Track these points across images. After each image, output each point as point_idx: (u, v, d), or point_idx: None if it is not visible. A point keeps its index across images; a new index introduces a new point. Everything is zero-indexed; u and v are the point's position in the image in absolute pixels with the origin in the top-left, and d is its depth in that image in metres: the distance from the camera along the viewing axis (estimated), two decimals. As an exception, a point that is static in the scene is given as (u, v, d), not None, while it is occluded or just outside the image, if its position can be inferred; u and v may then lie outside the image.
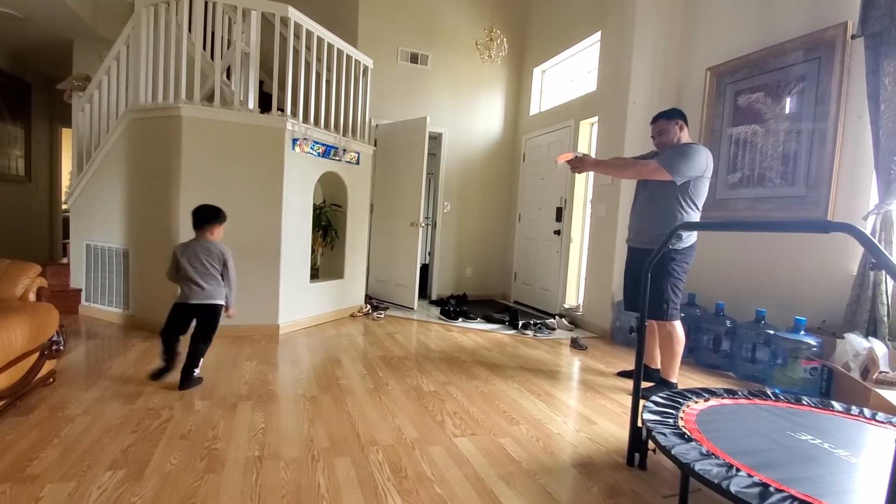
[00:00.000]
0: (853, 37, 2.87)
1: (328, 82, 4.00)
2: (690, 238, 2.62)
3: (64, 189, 6.63)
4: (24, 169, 6.01)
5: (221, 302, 2.56)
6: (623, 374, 2.98)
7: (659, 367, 2.75)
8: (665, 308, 2.56)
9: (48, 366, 2.24)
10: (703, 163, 2.52)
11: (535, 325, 4.20)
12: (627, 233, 2.88)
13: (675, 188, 2.53)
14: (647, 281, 1.85)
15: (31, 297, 2.35)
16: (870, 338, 2.61)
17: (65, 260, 4.20)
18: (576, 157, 2.73)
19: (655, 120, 2.73)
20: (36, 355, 2.13)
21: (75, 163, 3.95)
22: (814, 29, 3.06)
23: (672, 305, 2.57)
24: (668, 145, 2.66)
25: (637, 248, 2.76)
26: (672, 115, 2.67)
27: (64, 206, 6.29)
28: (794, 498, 1.18)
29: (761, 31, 3.41)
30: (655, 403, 1.80)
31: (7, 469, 1.58)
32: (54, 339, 2.24)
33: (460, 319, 4.47)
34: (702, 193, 2.58)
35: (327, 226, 4.40)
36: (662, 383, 2.65)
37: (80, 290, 3.81)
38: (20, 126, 5.88)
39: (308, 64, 3.81)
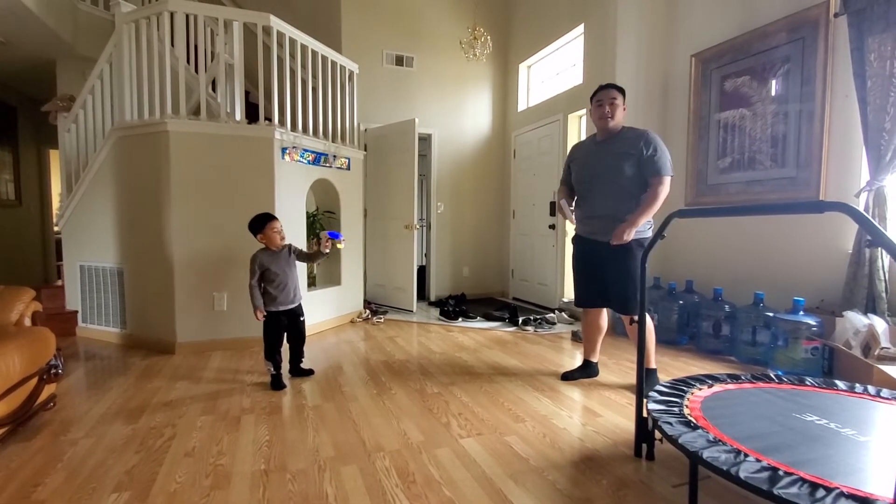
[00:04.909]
0: (836, 15, 2.87)
1: (314, 89, 3.99)
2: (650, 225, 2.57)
3: (55, 211, 6.59)
4: (14, 193, 5.97)
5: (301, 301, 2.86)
6: (567, 377, 2.78)
7: (597, 360, 2.79)
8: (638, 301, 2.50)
9: (48, 390, 2.22)
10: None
11: (535, 320, 4.19)
12: (579, 226, 2.66)
13: (636, 176, 2.42)
14: (645, 273, 1.84)
15: (27, 321, 2.33)
16: (869, 314, 2.62)
17: (59, 282, 4.17)
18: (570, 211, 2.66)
19: (607, 87, 2.50)
20: (35, 380, 2.11)
21: (64, 184, 3.92)
22: (796, 9, 3.07)
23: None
24: (609, 119, 2.45)
25: (595, 240, 2.55)
26: (622, 91, 2.51)
27: (56, 229, 6.25)
28: (803, 480, 1.18)
29: (744, 15, 3.41)
30: (660, 393, 1.79)
31: (12, 496, 1.56)
32: (52, 362, 2.21)
33: (460, 319, 4.46)
34: None
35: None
36: (648, 374, 2.62)
37: (77, 311, 3.78)
38: (8, 150, 5.83)
39: (293, 72, 3.80)
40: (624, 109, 2.52)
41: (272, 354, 2.67)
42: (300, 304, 2.81)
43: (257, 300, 2.64)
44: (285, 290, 2.70)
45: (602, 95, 2.50)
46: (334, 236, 2.75)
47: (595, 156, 2.57)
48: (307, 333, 3.73)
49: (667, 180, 2.39)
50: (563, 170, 2.79)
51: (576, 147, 2.76)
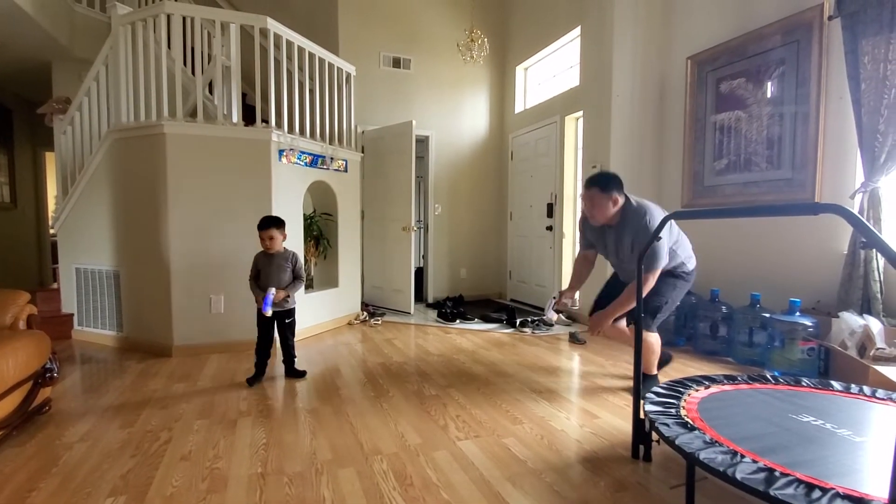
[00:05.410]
0: (830, 18, 2.89)
1: (311, 91, 3.99)
2: (692, 260, 2.56)
3: (50, 214, 6.56)
4: (10, 195, 5.95)
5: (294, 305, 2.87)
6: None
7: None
8: (651, 322, 2.45)
9: (43, 394, 2.21)
10: (665, 233, 2.28)
11: (532, 322, 4.20)
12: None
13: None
14: (641, 265, 1.84)
15: (22, 325, 2.31)
16: (864, 315, 2.63)
17: (55, 285, 4.15)
18: (557, 303, 2.64)
19: (588, 186, 2.39)
20: (30, 384, 2.10)
21: (60, 186, 3.91)
22: (791, 12, 3.09)
23: (659, 318, 2.47)
24: (600, 218, 2.40)
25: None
26: (607, 187, 2.33)
27: (51, 231, 6.23)
28: (799, 481, 1.18)
29: (739, 18, 3.43)
30: (656, 394, 1.80)
31: (7, 501, 1.55)
32: (47, 366, 2.21)
33: (458, 321, 4.46)
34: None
35: (319, 235, 4.38)
36: (646, 379, 2.58)
37: (72, 314, 3.77)
38: (3, 152, 5.81)
39: (290, 74, 3.80)
40: (615, 201, 2.35)
41: (257, 349, 2.77)
42: (290, 311, 2.83)
43: (256, 292, 2.73)
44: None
45: (584, 195, 2.43)
46: (266, 302, 2.61)
47: (603, 237, 2.54)
48: (307, 335, 3.77)
49: (655, 274, 2.30)
50: (580, 233, 2.75)
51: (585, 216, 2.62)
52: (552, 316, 2.71)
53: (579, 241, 2.80)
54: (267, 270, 2.74)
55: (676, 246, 2.46)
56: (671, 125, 4.00)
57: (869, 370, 2.37)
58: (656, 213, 2.34)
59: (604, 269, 4.02)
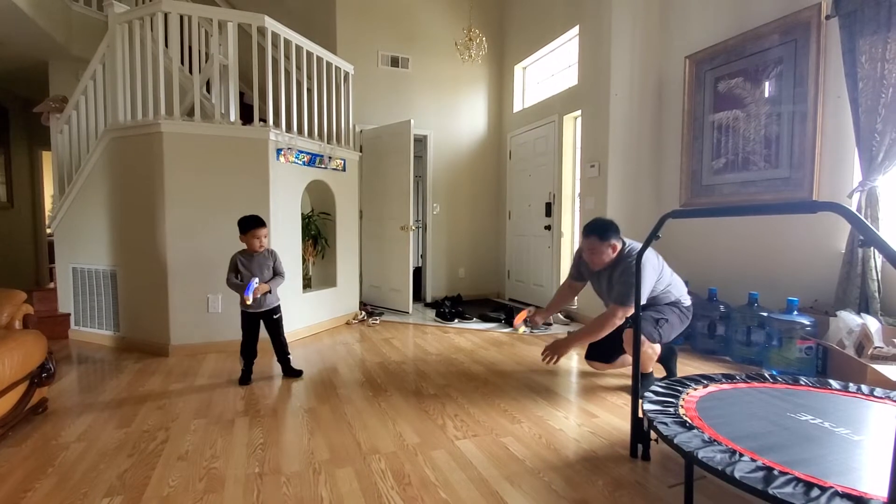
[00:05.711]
0: (828, 17, 2.89)
1: (309, 90, 3.98)
2: (687, 299, 2.62)
3: (47, 213, 6.54)
4: (6, 195, 5.93)
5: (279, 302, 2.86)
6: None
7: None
8: (654, 330, 2.43)
9: (39, 394, 2.20)
10: (652, 273, 2.39)
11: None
12: None
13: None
14: (640, 273, 1.84)
15: (17, 325, 2.31)
16: (862, 314, 2.63)
17: (52, 285, 4.13)
18: (529, 320, 2.70)
19: (587, 235, 2.47)
20: (26, 384, 2.09)
21: (56, 186, 3.89)
22: (788, 12, 3.09)
23: (659, 334, 2.45)
24: (599, 263, 2.48)
25: None
26: (605, 236, 2.41)
27: (48, 231, 6.21)
28: (798, 480, 1.18)
29: (737, 17, 3.43)
30: (655, 393, 1.80)
31: (2, 501, 1.54)
32: (44, 366, 2.20)
33: (456, 320, 4.45)
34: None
35: (317, 234, 4.37)
36: (644, 378, 2.58)
37: (69, 314, 3.75)
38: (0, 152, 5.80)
39: (288, 73, 3.79)
40: (614, 248, 2.43)
41: (242, 351, 2.77)
42: (275, 308, 2.82)
43: (236, 287, 2.70)
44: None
45: (583, 245, 2.51)
46: (249, 287, 2.63)
47: (598, 278, 2.61)
48: (305, 334, 3.76)
49: (625, 309, 2.36)
50: (573, 264, 2.81)
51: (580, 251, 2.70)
52: (521, 328, 2.74)
53: (571, 271, 2.86)
54: (248, 271, 2.72)
55: (671, 287, 2.55)
56: (669, 124, 4.00)
57: (867, 369, 2.37)
58: (646, 254, 2.30)
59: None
